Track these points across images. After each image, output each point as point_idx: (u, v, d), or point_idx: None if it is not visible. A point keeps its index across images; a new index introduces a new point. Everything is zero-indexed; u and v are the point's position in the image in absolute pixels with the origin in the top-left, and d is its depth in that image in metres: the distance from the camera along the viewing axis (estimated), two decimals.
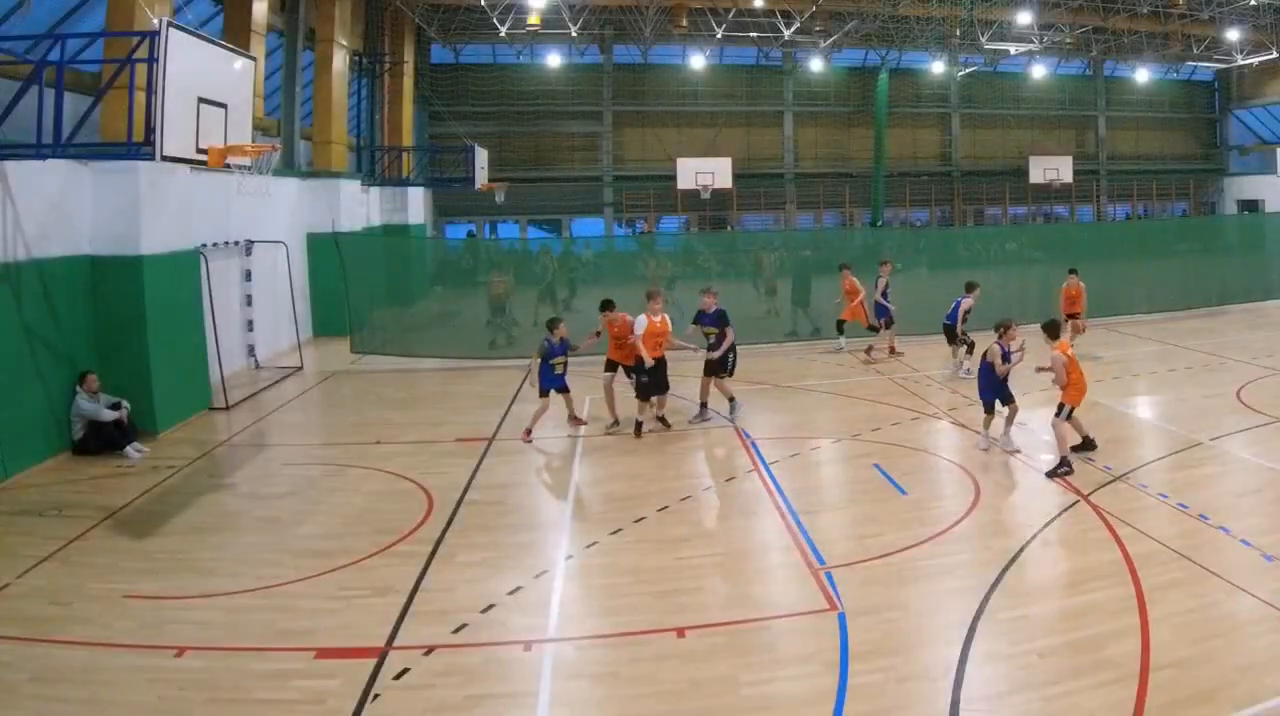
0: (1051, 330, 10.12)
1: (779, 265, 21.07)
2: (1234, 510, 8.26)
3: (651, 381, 11.35)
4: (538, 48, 34.18)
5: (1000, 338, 10.46)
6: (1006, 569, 7.16)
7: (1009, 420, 10.51)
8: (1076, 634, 6.06)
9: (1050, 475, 9.35)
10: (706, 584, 7.18)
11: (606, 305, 11.87)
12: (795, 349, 17.63)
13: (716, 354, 11.78)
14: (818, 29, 30.95)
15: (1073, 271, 16.57)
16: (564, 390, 11.57)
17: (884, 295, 16.26)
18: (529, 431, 11.35)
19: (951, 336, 14.76)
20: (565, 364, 11.45)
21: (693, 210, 35.65)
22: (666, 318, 11.66)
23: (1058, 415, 9.67)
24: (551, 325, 11.52)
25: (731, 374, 12.19)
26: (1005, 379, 10.42)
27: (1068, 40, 32.44)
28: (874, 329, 16.42)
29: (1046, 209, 39.01)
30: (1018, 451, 10.22)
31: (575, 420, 11.86)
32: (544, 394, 11.29)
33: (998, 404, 10.54)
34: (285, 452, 11.42)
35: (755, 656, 6.03)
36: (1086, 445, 10.03)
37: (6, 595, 7.05)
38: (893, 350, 16.49)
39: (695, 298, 12.80)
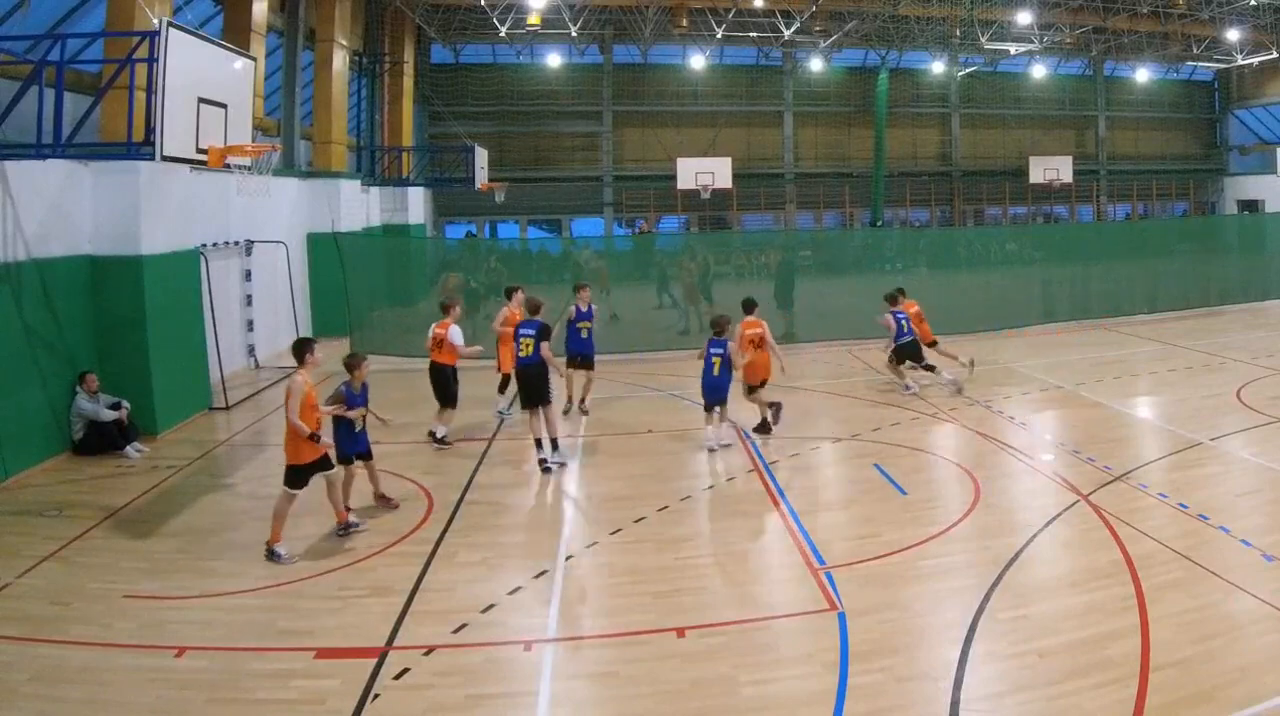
0: (748, 306, 11.50)
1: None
2: (1234, 510, 8.26)
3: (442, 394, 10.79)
4: (538, 48, 34.18)
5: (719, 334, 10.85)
6: (1006, 569, 7.16)
7: (724, 417, 11.00)
8: (1077, 634, 6.07)
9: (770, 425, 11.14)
10: (706, 584, 7.18)
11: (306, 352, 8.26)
12: (792, 349, 17.61)
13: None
14: (818, 29, 30.95)
15: (900, 292, 13.97)
16: (368, 456, 8.69)
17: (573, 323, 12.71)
18: (346, 512, 8.31)
19: (918, 355, 13.40)
20: (366, 418, 8.61)
21: (693, 210, 35.65)
22: (449, 323, 10.93)
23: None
24: (351, 364, 8.53)
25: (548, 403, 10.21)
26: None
27: (1068, 40, 32.42)
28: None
29: (1046, 209, 38.99)
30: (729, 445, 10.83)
31: (383, 499, 8.90)
32: (343, 461, 8.34)
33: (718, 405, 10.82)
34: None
35: (755, 656, 6.03)
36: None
37: (6, 595, 7.05)
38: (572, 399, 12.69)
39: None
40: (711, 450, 10.71)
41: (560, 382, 11.91)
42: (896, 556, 7.52)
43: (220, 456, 11.18)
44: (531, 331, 10.24)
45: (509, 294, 12.03)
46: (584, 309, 12.40)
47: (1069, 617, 6.31)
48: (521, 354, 10.27)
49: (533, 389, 10.12)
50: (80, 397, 10.87)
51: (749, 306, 11.51)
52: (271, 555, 7.68)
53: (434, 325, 11.25)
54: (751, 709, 5.44)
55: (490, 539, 8.21)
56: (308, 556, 7.75)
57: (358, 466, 8.60)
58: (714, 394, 10.76)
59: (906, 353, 13.40)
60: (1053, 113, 38.66)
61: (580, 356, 12.35)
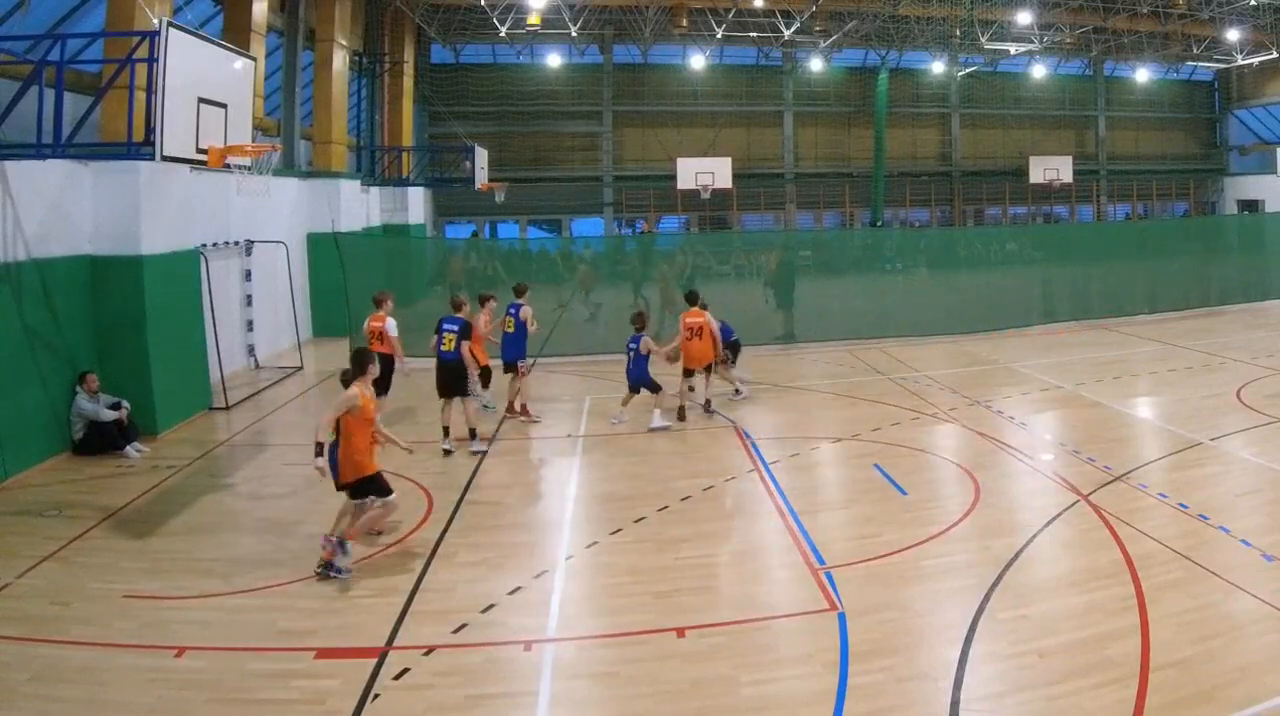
0: (690, 298, 12.51)
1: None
2: (1234, 510, 8.26)
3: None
4: (538, 48, 34.17)
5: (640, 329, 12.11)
6: (1006, 569, 7.16)
7: (658, 403, 11.99)
8: (1076, 634, 6.07)
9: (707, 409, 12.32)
10: (706, 584, 7.18)
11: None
12: (792, 349, 17.63)
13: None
14: (818, 29, 30.94)
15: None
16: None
17: (520, 329, 12.30)
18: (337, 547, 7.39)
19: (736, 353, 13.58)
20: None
21: (693, 210, 35.65)
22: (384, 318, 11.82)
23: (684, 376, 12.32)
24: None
25: (466, 393, 11.04)
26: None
27: (1068, 40, 32.40)
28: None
29: (1046, 209, 38.98)
30: (667, 427, 11.79)
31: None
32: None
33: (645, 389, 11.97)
34: (285, 453, 11.41)
35: (755, 656, 6.03)
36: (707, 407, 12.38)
37: (6, 595, 7.05)
38: (516, 408, 12.48)
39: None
40: (613, 423, 11.97)
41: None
42: (896, 556, 7.52)
43: (220, 456, 11.18)
44: (455, 328, 10.96)
45: (483, 301, 12.71)
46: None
47: (1069, 617, 6.31)
48: (444, 348, 10.96)
49: (452, 383, 10.97)
50: (80, 398, 10.86)
51: (693, 298, 12.50)
52: (340, 546, 7.30)
53: (369, 319, 11.98)
54: (751, 709, 5.43)
55: (490, 539, 8.21)
56: (308, 556, 7.74)
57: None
58: (629, 379, 12.04)
59: (734, 351, 13.52)
60: (1053, 113, 38.65)
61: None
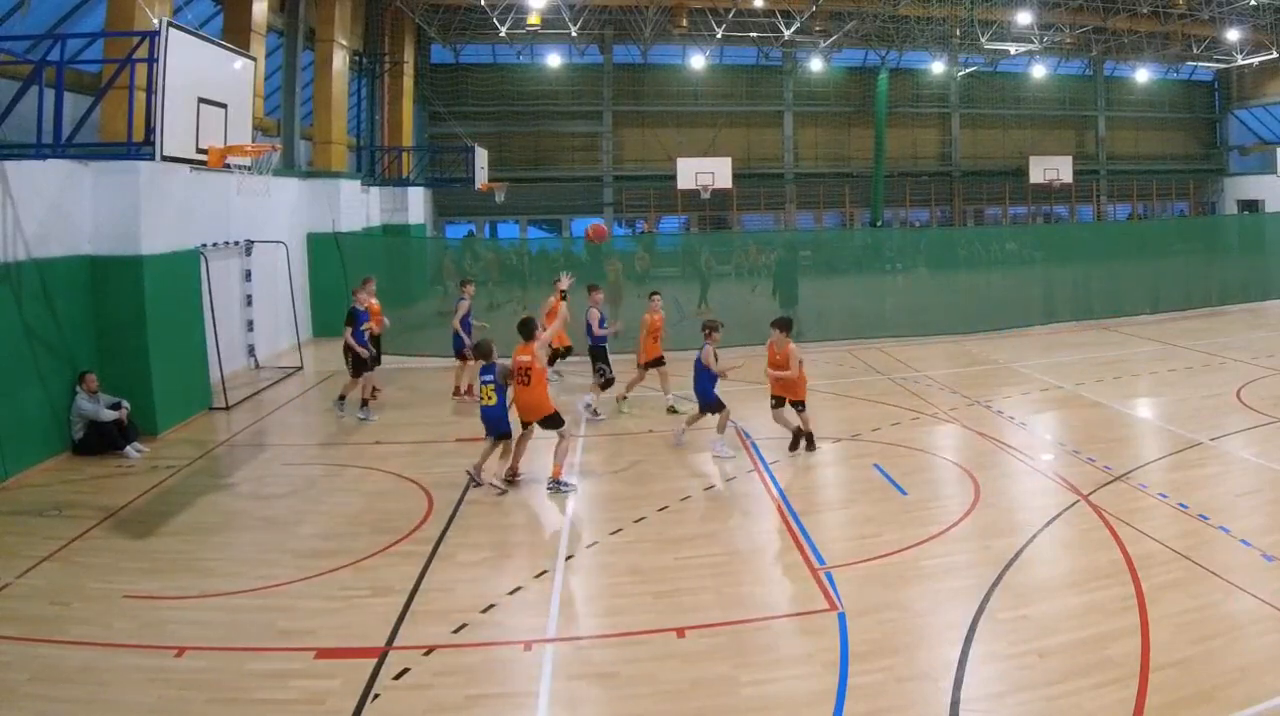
0: (784, 325, 10.57)
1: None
2: (1234, 510, 8.26)
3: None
4: (538, 48, 34.17)
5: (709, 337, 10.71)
6: (1006, 569, 7.16)
7: (720, 426, 10.72)
8: (1076, 634, 6.07)
9: (793, 448, 10.48)
10: (706, 584, 7.17)
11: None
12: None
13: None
14: (818, 29, 30.93)
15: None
16: (506, 434, 9.58)
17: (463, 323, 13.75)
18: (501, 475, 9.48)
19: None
20: (498, 391, 9.46)
21: (693, 210, 35.66)
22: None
23: (779, 407, 10.58)
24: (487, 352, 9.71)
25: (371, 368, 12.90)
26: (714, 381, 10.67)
27: (1068, 40, 32.40)
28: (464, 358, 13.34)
29: (1046, 209, 38.98)
30: (731, 457, 10.44)
31: (513, 472, 9.65)
32: (501, 437, 9.55)
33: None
34: (285, 452, 11.42)
35: (755, 656, 6.03)
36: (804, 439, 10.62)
37: (6, 595, 7.05)
38: (462, 391, 13.59)
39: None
40: (677, 445, 11.06)
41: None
42: (896, 556, 7.52)
43: (220, 456, 11.18)
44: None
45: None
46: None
47: (1069, 617, 6.31)
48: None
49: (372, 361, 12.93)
50: (80, 397, 10.86)
51: (786, 325, 10.74)
52: (561, 486, 9.34)
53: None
54: (751, 709, 5.43)
55: (490, 539, 8.21)
56: (308, 556, 7.75)
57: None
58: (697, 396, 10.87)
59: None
60: (1053, 113, 38.64)
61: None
